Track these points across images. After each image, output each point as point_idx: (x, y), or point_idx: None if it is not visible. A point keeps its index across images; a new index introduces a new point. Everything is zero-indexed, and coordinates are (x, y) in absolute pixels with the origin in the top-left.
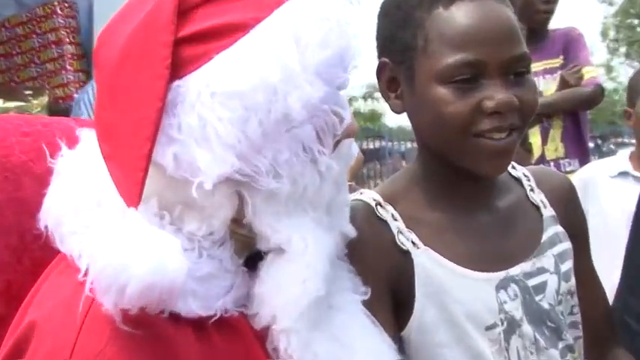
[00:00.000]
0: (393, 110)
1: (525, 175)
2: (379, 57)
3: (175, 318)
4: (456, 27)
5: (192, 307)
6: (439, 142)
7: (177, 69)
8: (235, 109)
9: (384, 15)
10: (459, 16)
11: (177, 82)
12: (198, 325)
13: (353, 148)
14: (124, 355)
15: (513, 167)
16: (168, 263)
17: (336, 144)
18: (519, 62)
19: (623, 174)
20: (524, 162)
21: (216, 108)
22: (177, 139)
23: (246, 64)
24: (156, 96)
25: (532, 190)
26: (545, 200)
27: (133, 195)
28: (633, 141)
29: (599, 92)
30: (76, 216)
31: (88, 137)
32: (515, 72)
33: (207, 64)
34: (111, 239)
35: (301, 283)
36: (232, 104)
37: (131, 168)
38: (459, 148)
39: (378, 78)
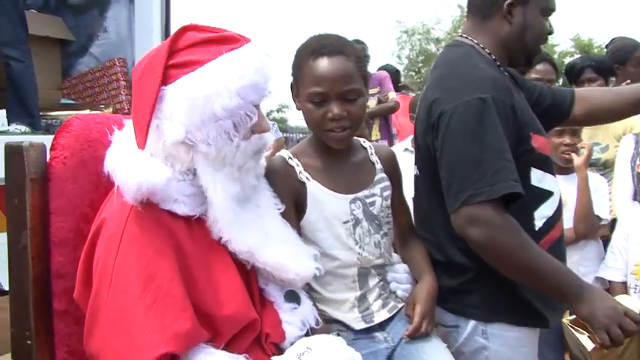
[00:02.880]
0: (297, 109)
1: (369, 146)
2: (292, 79)
3: (174, 215)
4: (315, 72)
5: (183, 210)
6: (312, 130)
7: (165, 81)
8: (186, 105)
9: (294, 59)
10: (319, 66)
11: (163, 88)
12: (187, 219)
13: (265, 140)
14: (147, 229)
15: (363, 142)
16: (152, 174)
17: (253, 134)
18: (349, 93)
19: (406, 150)
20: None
21: (178, 103)
22: (159, 117)
23: (196, 83)
24: (153, 92)
25: (372, 154)
26: (378, 160)
27: (140, 142)
28: None
29: (396, 106)
30: (121, 166)
31: (128, 126)
32: (348, 98)
33: (178, 80)
34: (126, 164)
35: (220, 215)
36: (186, 103)
37: (140, 129)
38: (319, 135)
39: (291, 90)
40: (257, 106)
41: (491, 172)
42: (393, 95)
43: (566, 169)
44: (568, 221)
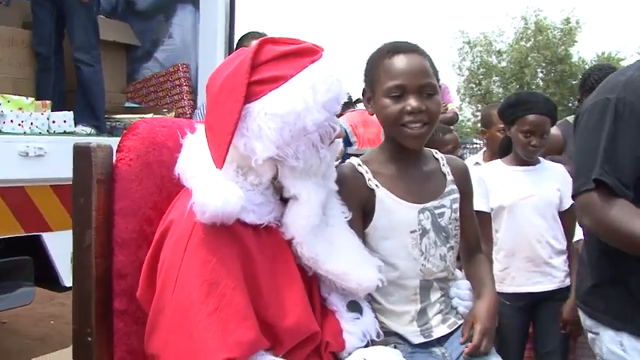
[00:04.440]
0: (370, 113)
1: (441, 157)
2: (365, 85)
3: (243, 223)
4: (393, 67)
5: (252, 219)
6: (387, 128)
7: (249, 98)
8: (277, 122)
9: (367, 64)
10: (395, 62)
11: (247, 105)
12: (255, 227)
13: (339, 145)
14: (214, 236)
15: (435, 152)
16: (229, 203)
17: (330, 142)
18: (426, 87)
19: (477, 164)
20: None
21: (267, 121)
22: (245, 135)
23: (285, 99)
24: (236, 111)
25: (443, 165)
26: (449, 171)
27: (219, 162)
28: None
29: (456, 117)
30: (193, 168)
31: (200, 130)
32: (426, 93)
33: (264, 96)
34: (203, 184)
35: (306, 218)
36: (276, 120)
37: (219, 148)
38: (394, 131)
39: (362, 96)
40: None
41: (598, 163)
42: (452, 106)
43: None
44: None
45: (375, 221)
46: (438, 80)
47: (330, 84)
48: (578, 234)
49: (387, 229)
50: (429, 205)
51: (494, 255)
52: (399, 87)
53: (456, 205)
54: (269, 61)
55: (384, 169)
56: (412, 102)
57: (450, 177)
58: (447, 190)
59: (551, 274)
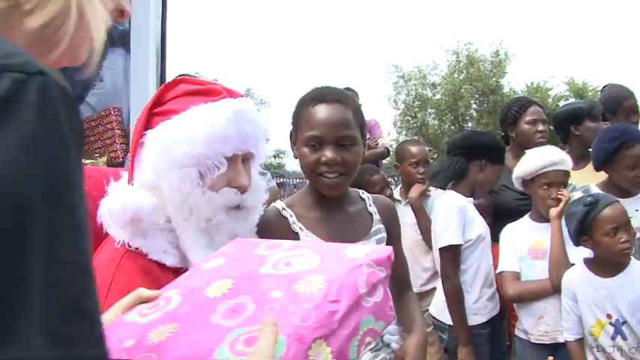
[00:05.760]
0: (294, 157)
1: (367, 197)
2: (292, 128)
3: (164, 267)
4: (313, 117)
5: (172, 261)
6: (306, 175)
7: (147, 127)
8: (155, 149)
9: (295, 107)
10: (317, 112)
11: (144, 133)
12: (175, 271)
13: (245, 197)
14: (134, 280)
15: (362, 193)
16: (136, 198)
17: (225, 187)
18: (344, 139)
19: (397, 200)
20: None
21: (150, 147)
22: (139, 161)
23: (167, 129)
24: (135, 136)
25: (370, 205)
26: (376, 211)
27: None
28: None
29: (386, 152)
30: (111, 217)
31: (124, 177)
32: (343, 144)
33: (157, 126)
34: (114, 195)
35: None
36: (155, 147)
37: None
38: (312, 179)
39: (289, 138)
40: (235, 160)
41: None
42: (383, 141)
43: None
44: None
45: None
46: (362, 129)
47: (215, 122)
48: (501, 266)
49: None
50: None
51: (467, 288)
52: (316, 137)
53: (383, 245)
54: (174, 98)
55: (308, 212)
56: (328, 153)
57: (376, 216)
58: (373, 229)
59: (497, 296)
